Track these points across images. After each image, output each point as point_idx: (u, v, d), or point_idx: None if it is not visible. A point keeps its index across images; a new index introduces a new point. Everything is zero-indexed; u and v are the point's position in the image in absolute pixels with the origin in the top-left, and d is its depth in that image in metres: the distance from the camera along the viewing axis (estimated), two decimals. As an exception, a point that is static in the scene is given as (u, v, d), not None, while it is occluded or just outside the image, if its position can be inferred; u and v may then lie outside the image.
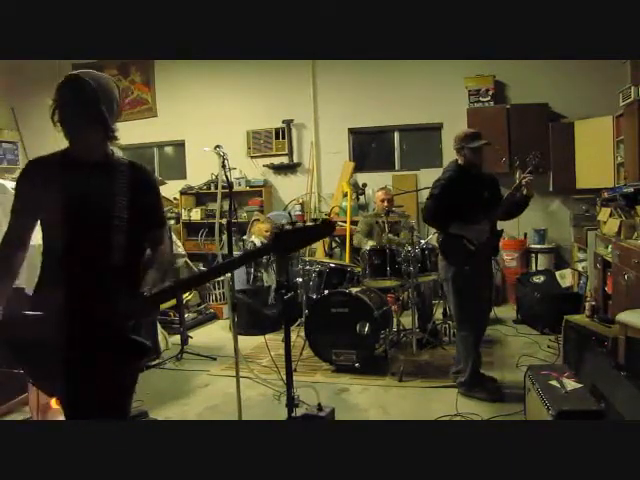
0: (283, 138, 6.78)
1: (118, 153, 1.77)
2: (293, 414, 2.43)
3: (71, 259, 1.60)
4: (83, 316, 1.51)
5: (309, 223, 1.46)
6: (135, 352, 1.64)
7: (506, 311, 5.41)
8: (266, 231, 5.60)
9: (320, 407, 2.71)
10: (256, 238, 5.62)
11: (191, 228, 6.91)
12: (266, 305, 5.15)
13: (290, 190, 6.78)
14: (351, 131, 6.74)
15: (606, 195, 4.78)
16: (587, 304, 3.60)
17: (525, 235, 5.97)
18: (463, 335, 3.37)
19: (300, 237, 1.55)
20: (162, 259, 1.78)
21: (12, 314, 1.60)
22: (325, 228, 1.54)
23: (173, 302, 5.06)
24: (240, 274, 5.08)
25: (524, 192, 3.30)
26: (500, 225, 3.51)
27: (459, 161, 3.38)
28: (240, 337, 3.27)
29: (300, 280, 4.28)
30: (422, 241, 4.27)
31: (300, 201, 6.69)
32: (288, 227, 1.81)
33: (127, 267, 1.63)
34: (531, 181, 3.25)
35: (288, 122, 6.72)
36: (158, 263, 1.76)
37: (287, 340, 2.47)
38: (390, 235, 4.43)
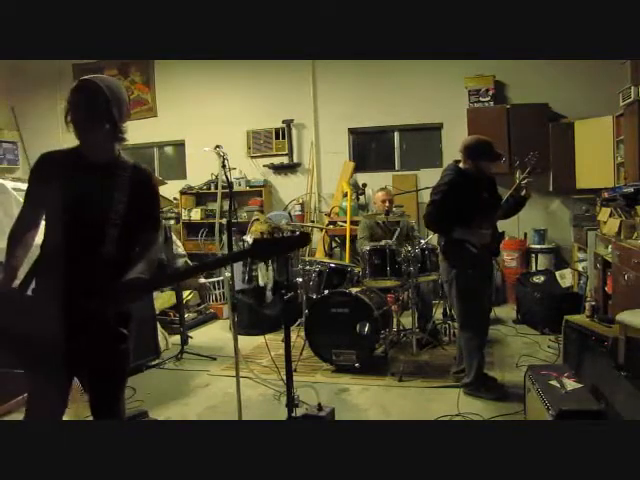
0: (283, 138, 6.78)
1: (124, 155, 1.88)
2: (293, 414, 2.43)
3: (67, 252, 1.69)
4: (72, 304, 1.60)
5: (287, 233, 1.65)
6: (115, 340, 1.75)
7: (506, 311, 5.40)
8: (261, 232, 5.57)
9: (320, 407, 2.70)
10: (250, 238, 5.59)
11: (191, 228, 6.91)
12: (264, 304, 5.13)
13: (290, 190, 6.78)
14: (351, 131, 6.74)
15: (606, 195, 4.77)
16: (587, 304, 3.59)
17: (525, 235, 5.96)
18: (467, 337, 3.35)
19: (276, 247, 1.67)
20: (151, 258, 1.85)
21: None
22: (301, 240, 1.65)
23: (173, 302, 5.07)
24: (236, 273, 5.05)
25: (522, 193, 3.36)
26: (500, 225, 3.51)
27: (461, 164, 3.34)
28: (240, 337, 3.26)
29: (300, 280, 4.28)
30: (422, 241, 4.26)
31: (300, 201, 6.69)
32: (267, 236, 1.96)
33: (117, 263, 1.73)
34: (530, 182, 3.32)
35: (288, 122, 6.72)
36: (147, 260, 1.81)
37: (287, 340, 2.47)
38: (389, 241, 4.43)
